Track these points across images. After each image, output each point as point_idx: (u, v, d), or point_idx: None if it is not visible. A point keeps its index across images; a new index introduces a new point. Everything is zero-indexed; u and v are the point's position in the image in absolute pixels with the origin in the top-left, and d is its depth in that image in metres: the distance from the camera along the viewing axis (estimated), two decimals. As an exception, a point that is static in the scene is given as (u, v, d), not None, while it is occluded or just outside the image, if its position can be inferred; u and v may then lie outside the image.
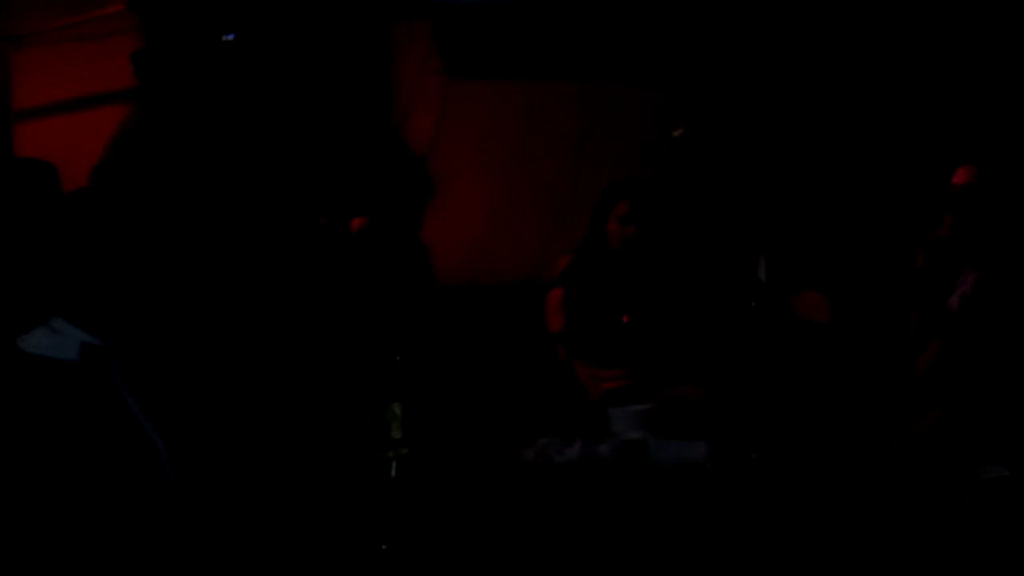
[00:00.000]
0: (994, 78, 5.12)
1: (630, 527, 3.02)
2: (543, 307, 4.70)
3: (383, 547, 2.40)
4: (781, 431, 3.45)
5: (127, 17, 5.12)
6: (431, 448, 2.78)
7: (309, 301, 3.87)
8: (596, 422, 3.62)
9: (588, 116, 5.54)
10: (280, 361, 3.31)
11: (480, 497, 3.00)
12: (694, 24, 5.33)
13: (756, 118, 5.37)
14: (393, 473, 2.49)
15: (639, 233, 4.52)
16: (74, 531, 1.56)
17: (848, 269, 5.11)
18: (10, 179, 3.45)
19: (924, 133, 5.14)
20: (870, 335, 4.38)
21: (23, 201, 3.32)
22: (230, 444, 1.84)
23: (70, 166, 3.57)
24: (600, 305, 4.58)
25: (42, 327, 1.67)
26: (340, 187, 4.73)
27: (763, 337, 4.03)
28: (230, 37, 4.79)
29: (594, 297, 4.58)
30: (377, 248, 4.26)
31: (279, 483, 2.59)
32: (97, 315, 1.68)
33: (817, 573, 2.96)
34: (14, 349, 1.66)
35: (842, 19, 5.29)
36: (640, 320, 4.55)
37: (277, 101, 4.80)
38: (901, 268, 3.89)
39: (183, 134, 4.50)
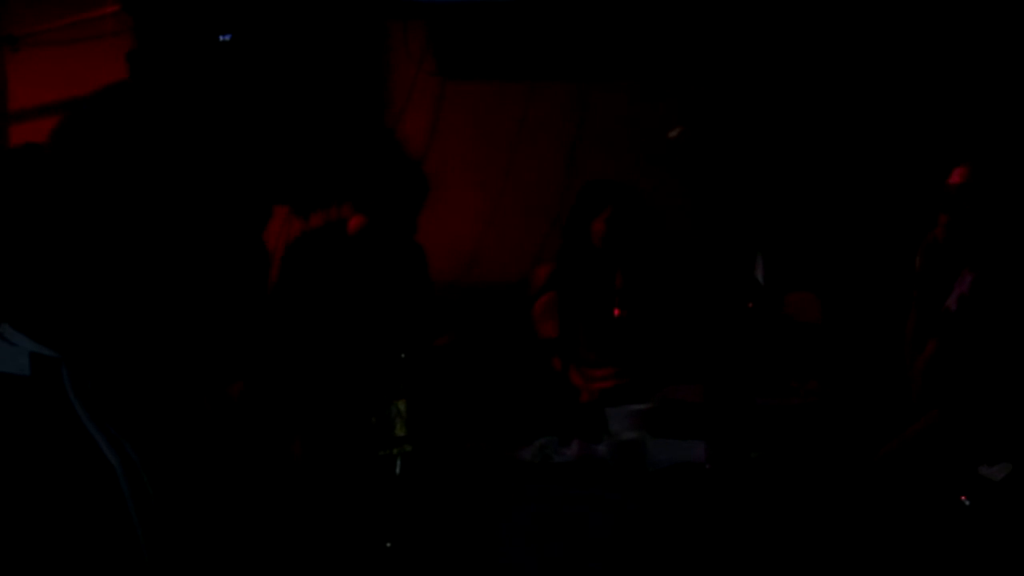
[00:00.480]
0: (991, 79, 5.13)
1: (628, 526, 3.02)
2: (530, 318, 4.71)
3: (387, 544, 2.40)
4: (779, 431, 3.46)
5: (122, 18, 5.12)
6: (434, 446, 2.78)
7: (305, 301, 3.87)
8: (594, 422, 3.62)
9: (583, 117, 5.54)
10: (277, 364, 3.31)
11: (481, 496, 3.00)
12: (690, 25, 5.34)
13: (752, 119, 5.38)
14: (397, 470, 2.49)
15: (627, 233, 4.54)
16: (23, 556, 1.50)
17: (846, 270, 5.11)
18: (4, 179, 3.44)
19: (921, 134, 5.14)
20: (868, 336, 4.38)
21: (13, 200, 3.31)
22: (200, 458, 1.77)
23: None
24: (589, 305, 4.59)
25: None
26: (335, 187, 4.73)
27: (760, 337, 4.04)
28: (226, 37, 4.78)
29: (583, 298, 4.59)
30: (374, 247, 4.26)
31: (276, 483, 2.59)
32: (49, 323, 1.59)
33: (816, 573, 2.96)
34: None
35: (836, 21, 5.30)
36: (629, 317, 4.57)
37: (273, 101, 4.80)
38: (899, 269, 3.90)
39: (177, 133, 4.49)
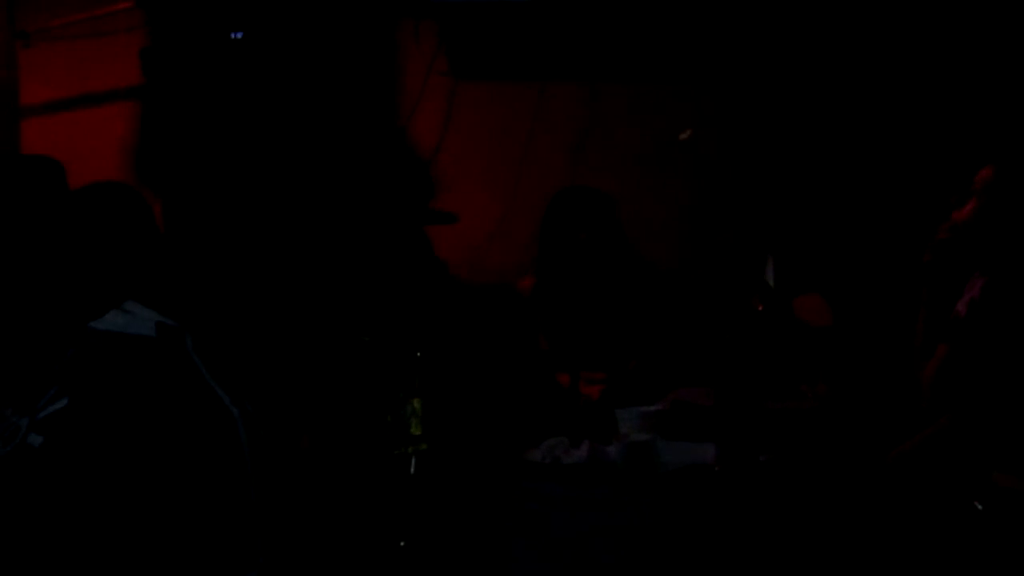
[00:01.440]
0: (1005, 81, 5.13)
1: (638, 528, 3.02)
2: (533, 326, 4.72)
3: (401, 543, 2.40)
4: (789, 434, 3.46)
5: (135, 14, 5.13)
6: (446, 446, 2.79)
7: (325, 297, 3.87)
8: (604, 424, 3.62)
9: (594, 118, 5.55)
10: (304, 350, 3.32)
11: (491, 496, 3.00)
12: (701, 26, 5.34)
13: (764, 120, 5.38)
14: (412, 469, 2.50)
15: (591, 235, 4.55)
16: (154, 493, 1.59)
17: (856, 272, 5.11)
18: (16, 177, 3.45)
19: (932, 136, 5.14)
20: (878, 339, 4.38)
21: (26, 198, 3.33)
22: (285, 421, 1.89)
23: (76, 162, 3.58)
24: (583, 314, 4.60)
25: (116, 309, 1.69)
26: (345, 186, 4.73)
27: (770, 340, 4.04)
28: (238, 35, 4.79)
29: (569, 309, 4.60)
30: (379, 246, 4.26)
31: (290, 479, 2.59)
32: (170, 298, 1.72)
33: (825, 576, 2.96)
34: (87, 330, 1.67)
35: (847, 20, 5.30)
36: (620, 322, 4.58)
37: (284, 99, 4.81)
38: (909, 272, 3.89)
39: (189, 131, 4.50)
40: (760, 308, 4.10)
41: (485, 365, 4.44)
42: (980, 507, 2.89)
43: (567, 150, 5.51)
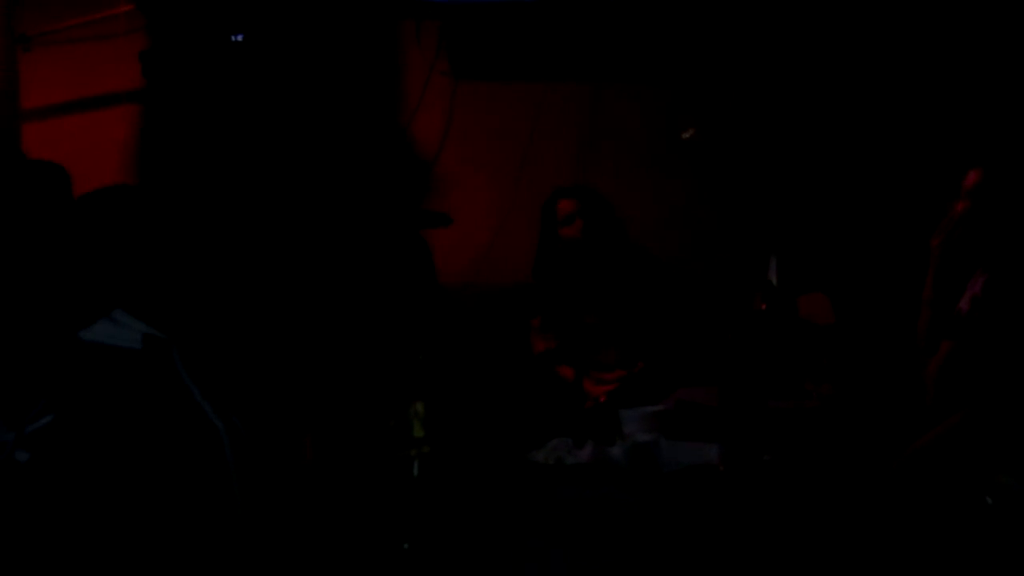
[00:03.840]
0: (1005, 79, 5.13)
1: (642, 529, 3.02)
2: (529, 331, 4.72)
3: (405, 546, 2.40)
4: (793, 433, 3.45)
5: (136, 17, 5.13)
6: (449, 448, 2.79)
7: (324, 300, 3.87)
8: (607, 424, 3.61)
9: (596, 118, 5.54)
10: (305, 357, 3.32)
11: (495, 498, 3.00)
12: (703, 25, 5.33)
13: (766, 119, 5.37)
14: (415, 472, 2.50)
15: (588, 229, 4.56)
16: (139, 508, 1.58)
17: (859, 271, 5.11)
18: (22, 181, 3.45)
19: (934, 134, 5.14)
20: (882, 337, 4.38)
21: (34, 203, 3.33)
22: (281, 431, 1.88)
23: (78, 166, 3.57)
24: (585, 309, 4.61)
25: (104, 319, 1.68)
26: (345, 187, 4.73)
27: (774, 339, 4.03)
28: (238, 37, 4.79)
29: (566, 305, 4.61)
30: (379, 247, 4.26)
31: (293, 483, 2.59)
32: (158, 309, 1.71)
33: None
34: (76, 340, 1.67)
35: (850, 19, 5.30)
36: (610, 318, 4.58)
37: (285, 101, 4.80)
38: (911, 270, 3.88)
39: (191, 134, 4.50)
40: (764, 307, 4.09)
41: (487, 366, 4.44)
42: (990, 501, 2.88)
43: (568, 150, 5.51)
